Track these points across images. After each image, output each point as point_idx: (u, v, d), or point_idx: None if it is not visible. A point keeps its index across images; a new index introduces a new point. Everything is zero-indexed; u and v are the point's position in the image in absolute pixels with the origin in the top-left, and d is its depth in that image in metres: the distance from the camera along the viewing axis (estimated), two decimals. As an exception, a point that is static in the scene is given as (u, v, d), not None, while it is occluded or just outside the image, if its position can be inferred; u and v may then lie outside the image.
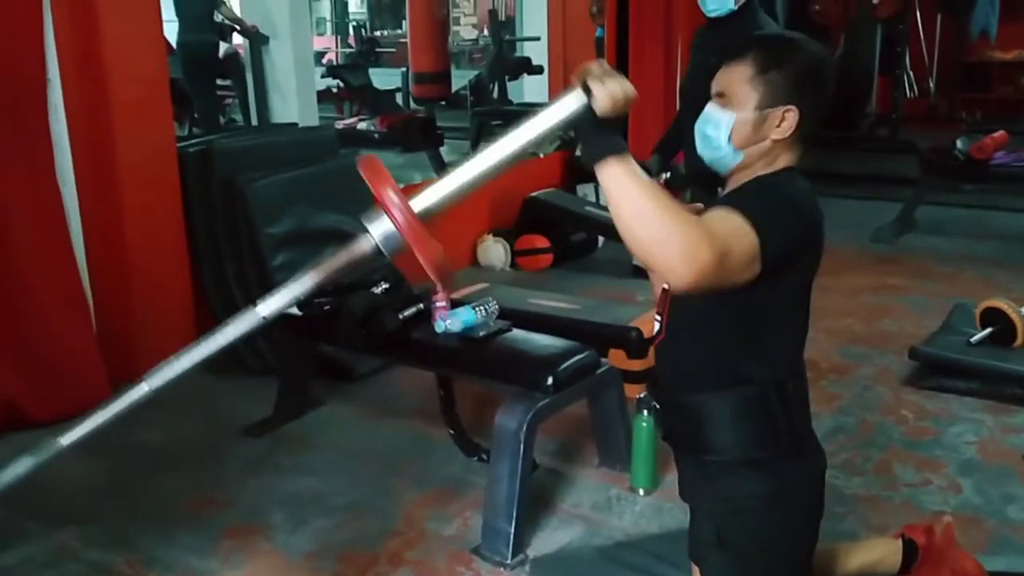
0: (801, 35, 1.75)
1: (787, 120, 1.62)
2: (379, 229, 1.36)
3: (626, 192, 1.37)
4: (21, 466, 1.54)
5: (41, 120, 3.44)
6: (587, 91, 1.38)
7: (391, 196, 1.34)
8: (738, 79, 1.63)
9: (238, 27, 6.56)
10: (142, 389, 1.48)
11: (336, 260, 1.42)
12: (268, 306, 1.45)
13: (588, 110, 1.38)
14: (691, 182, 3.50)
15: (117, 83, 3.65)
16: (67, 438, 1.52)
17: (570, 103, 1.40)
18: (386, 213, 1.35)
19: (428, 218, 1.38)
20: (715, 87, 1.68)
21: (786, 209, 1.59)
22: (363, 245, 1.39)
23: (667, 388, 1.78)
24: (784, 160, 1.66)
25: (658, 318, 1.78)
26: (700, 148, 1.70)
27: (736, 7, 3.44)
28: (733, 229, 1.45)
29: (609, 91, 1.37)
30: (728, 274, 1.42)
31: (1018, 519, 2.74)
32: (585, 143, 1.41)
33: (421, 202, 1.38)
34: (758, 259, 1.47)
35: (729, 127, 1.63)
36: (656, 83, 6.54)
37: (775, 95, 1.61)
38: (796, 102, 1.61)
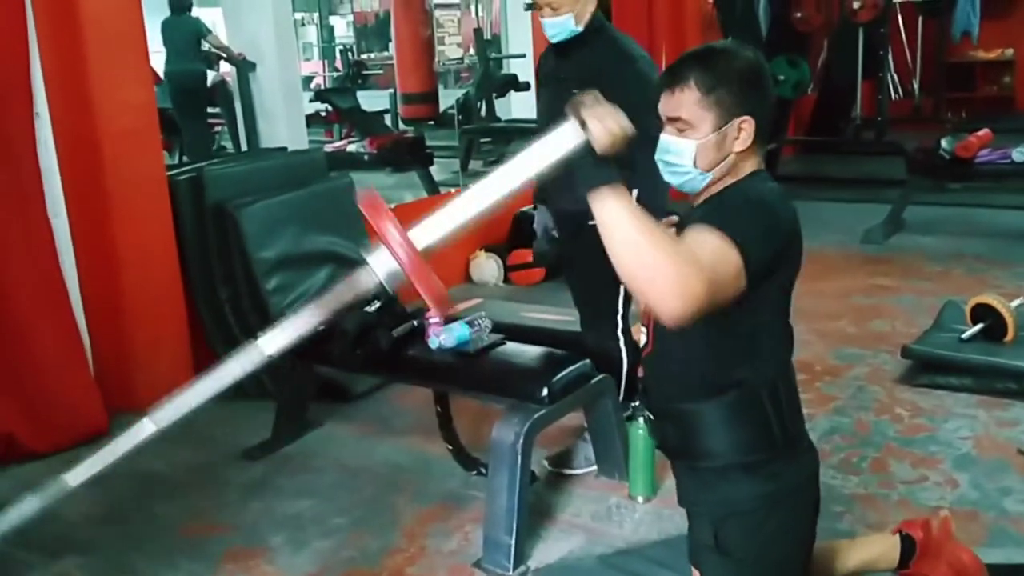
0: (727, 42, 1.77)
1: (744, 131, 1.63)
2: (382, 266, 1.37)
3: (617, 223, 1.37)
4: (27, 506, 1.55)
5: (30, 154, 3.46)
6: (583, 125, 1.38)
7: (394, 233, 1.35)
8: (687, 103, 1.62)
9: (224, 55, 6.61)
10: (148, 427, 1.48)
11: (338, 294, 1.43)
12: (271, 342, 1.47)
13: (587, 147, 1.38)
14: (559, 221, 3.25)
15: (106, 114, 3.66)
16: (73, 477, 1.53)
17: (567, 139, 1.38)
18: (389, 250, 1.35)
19: (428, 254, 1.39)
20: (664, 113, 1.66)
21: (762, 217, 1.58)
22: (365, 280, 1.40)
23: (658, 398, 1.79)
24: (749, 165, 1.67)
25: (643, 329, 1.79)
26: (665, 176, 1.70)
27: (581, 30, 2.93)
28: (715, 252, 1.44)
29: (607, 128, 1.38)
30: (717, 299, 1.41)
31: (1015, 511, 2.76)
32: (581, 176, 1.41)
33: (422, 239, 1.38)
34: (743, 275, 1.47)
35: (692, 154, 1.63)
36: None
37: (727, 111, 1.61)
38: (747, 111, 1.62)
